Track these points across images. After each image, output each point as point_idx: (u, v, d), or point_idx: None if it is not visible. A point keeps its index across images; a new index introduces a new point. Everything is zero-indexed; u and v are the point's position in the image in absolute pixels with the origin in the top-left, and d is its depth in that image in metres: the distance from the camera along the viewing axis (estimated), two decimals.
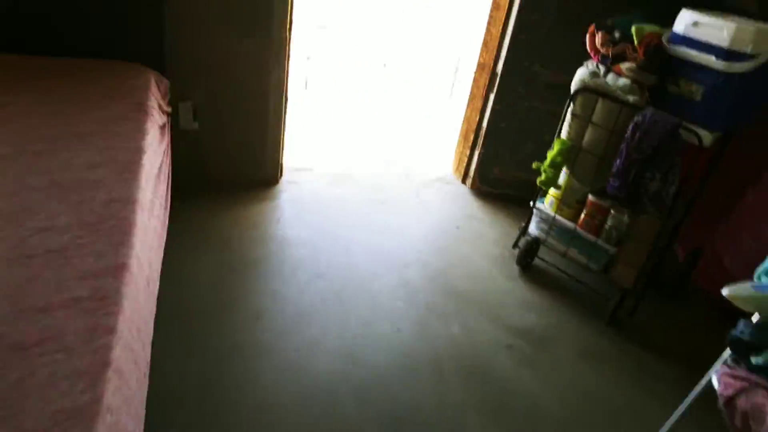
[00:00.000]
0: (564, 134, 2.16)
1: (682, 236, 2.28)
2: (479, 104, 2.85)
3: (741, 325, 1.32)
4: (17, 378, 0.86)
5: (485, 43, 2.77)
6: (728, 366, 1.33)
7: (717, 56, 1.75)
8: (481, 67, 2.83)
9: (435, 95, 4.37)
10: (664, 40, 1.91)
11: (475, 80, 2.92)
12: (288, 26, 2.34)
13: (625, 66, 1.95)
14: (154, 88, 1.87)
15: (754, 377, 1.25)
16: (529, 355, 2.01)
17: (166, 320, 1.80)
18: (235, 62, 2.35)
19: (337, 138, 3.49)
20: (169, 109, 2.06)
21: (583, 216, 2.23)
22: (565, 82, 2.15)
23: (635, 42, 1.94)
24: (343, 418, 1.66)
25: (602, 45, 2.02)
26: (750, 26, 1.72)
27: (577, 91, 2.06)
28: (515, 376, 1.91)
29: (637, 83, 1.93)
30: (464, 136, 3.06)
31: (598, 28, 2.06)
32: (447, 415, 1.72)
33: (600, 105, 2.01)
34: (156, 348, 1.22)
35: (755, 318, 1.29)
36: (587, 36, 2.09)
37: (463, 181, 3.11)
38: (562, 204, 2.26)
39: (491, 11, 2.68)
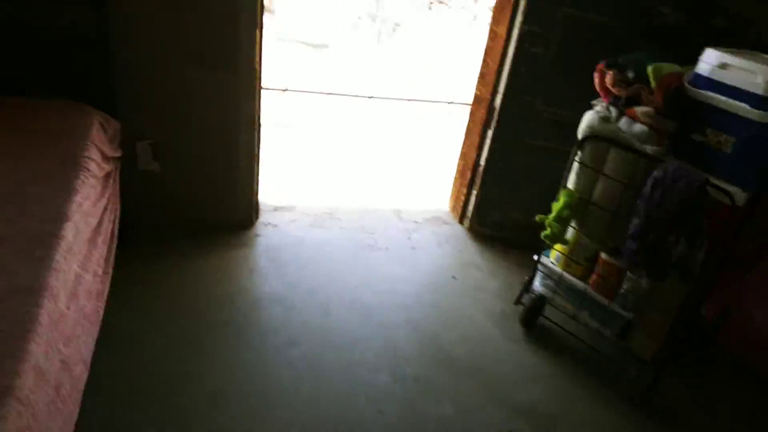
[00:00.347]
0: (571, 184, 1.90)
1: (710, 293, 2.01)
2: (476, 140, 2.61)
3: None
4: None
5: (482, 75, 2.54)
6: None
7: (751, 104, 1.51)
8: (477, 100, 2.60)
9: (427, 127, 4.13)
10: (685, 81, 1.67)
11: (471, 114, 2.68)
12: (258, 58, 2.10)
13: (640, 110, 1.70)
14: (96, 133, 1.62)
15: None
16: None
17: (105, 403, 1.53)
18: (200, 97, 2.11)
19: (322, 173, 3.24)
20: (119, 154, 1.81)
21: (594, 276, 1.95)
22: (571, 120, 1.91)
23: (652, 83, 1.70)
24: None
25: (614, 85, 1.77)
26: None
27: (585, 138, 1.81)
28: None
29: (655, 130, 1.68)
30: (461, 173, 2.81)
31: (608, 66, 1.81)
32: None
33: (612, 154, 1.76)
34: None
35: None
36: (595, 74, 1.85)
37: (461, 221, 2.85)
38: (569, 261, 1.99)
39: (488, 41, 2.45)
